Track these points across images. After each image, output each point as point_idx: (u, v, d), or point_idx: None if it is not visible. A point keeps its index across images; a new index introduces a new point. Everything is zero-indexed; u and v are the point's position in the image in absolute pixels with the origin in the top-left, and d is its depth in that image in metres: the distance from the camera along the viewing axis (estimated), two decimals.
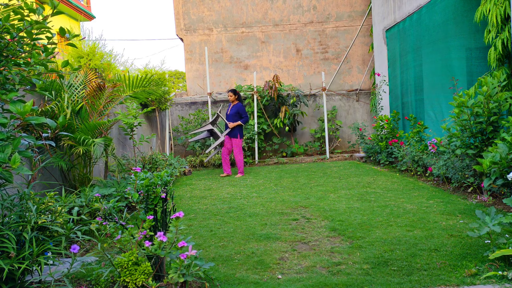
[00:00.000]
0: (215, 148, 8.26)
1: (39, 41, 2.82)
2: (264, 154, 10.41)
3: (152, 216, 2.74)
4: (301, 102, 10.29)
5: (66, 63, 3.00)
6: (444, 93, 6.70)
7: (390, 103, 9.10)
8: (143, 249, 2.63)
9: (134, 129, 6.04)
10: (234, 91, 8.01)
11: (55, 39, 2.86)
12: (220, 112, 8.33)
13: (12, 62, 2.76)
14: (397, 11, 8.44)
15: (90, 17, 20.76)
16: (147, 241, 2.58)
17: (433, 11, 6.98)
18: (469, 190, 5.27)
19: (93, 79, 5.27)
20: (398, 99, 8.65)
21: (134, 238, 2.71)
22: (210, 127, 8.23)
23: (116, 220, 2.92)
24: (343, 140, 10.90)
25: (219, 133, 8.11)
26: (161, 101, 9.01)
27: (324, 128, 10.29)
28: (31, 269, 2.58)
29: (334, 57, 11.61)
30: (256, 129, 9.78)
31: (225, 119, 7.94)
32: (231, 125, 7.85)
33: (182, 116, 10.64)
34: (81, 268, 3.06)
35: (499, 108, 4.96)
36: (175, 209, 3.22)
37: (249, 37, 11.59)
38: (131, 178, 3.00)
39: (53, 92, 4.60)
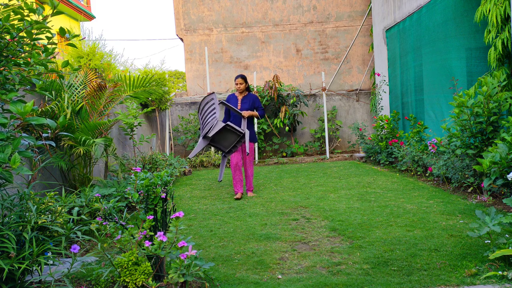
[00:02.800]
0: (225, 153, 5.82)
1: (39, 41, 2.82)
2: (264, 154, 10.41)
3: (152, 216, 2.74)
4: (301, 102, 10.29)
5: (66, 63, 3.00)
6: (444, 93, 6.70)
7: (390, 103, 9.10)
8: (143, 249, 2.63)
9: (134, 129, 6.04)
10: (244, 78, 6.05)
11: (55, 39, 2.86)
12: (216, 102, 5.84)
13: (12, 62, 2.76)
14: (397, 11, 8.44)
15: (90, 17, 20.77)
16: (147, 241, 2.58)
17: (433, 11, 6.98)
18: (469, 190, 5.27)
19: (93, 79, 5.27)
20: (398, 99, 8.65)
21: (134, 238, 2.71)
22: (221, 124, 5.68)
23: (116, 220, 2.92)
24: (343, 140, 10.90)
25: (237, 128, 5.64)
26: (161, 101, 9.01)
27: (324, 128, 10.30)
28: (31, 269, 2.58)
29: (334, 57, 11.61)
30: (256, 129, 9.78)
31: (237, 110, 5.78)
32: (245, 113, 5.78)
33: (182, 116, 10.64)
34: (81, 268, 3.06)
35: (499, 108, 4.96)
36: (175, 209, 3.22)
37: (249, 37, 11.59)
38: (131, 178, 3.00)
39: (53, 92, 4.60)
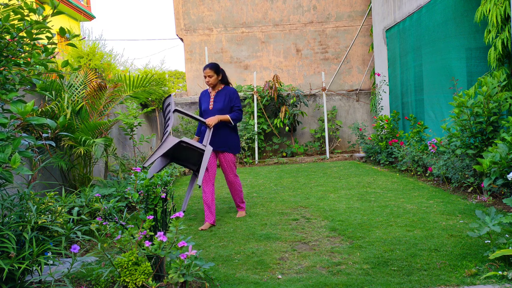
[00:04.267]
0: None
1: (39, 41, 2.82)
2: (264, 154, 10.41)
3: (152, 216, 2.74)
4: (301, 102, 10.29)
5: (66, 63, 3.00)
6: (444, 93, 6.70)
7: (390, 103, 9.10)
8: (143, 249, 2.63)
9: (134, 129, 6.04)
10: (215, 67, 4.58)
11: (55, 39, 2.86)
12: (172, 107, 4.29)
13: (12, 62, 2.76)
14: (397, 11, 8.44)
15: (90, 17, 20.77)
16: (147, 241, 2.58)
17: (433, 11, 6.98)
18: (469, 190, 5.27)
19: (93, 79, 5.28)
20: (398, 99, 8.65)
21: (134, 238, 2.71)
22: (173, 140, 4.14)
23: (116, 220, 2.92)
24: (343, 140, 10.90)
25: (198, 145, 4.26)
26: (161, 101, 9.02)
27: (324, 128, 10.29)
28: (31, 269, 2.58)
29: (334, 57, 11.61)
30: (256, 129, 9.78)
31: (197, 117, 4.51)
32: (211, 121, 4.42)
33: (182, 116, 10.64)
34: (81, 268, 3.06)
35: (499, 108, 4.96)
36: (175, 209, 3.22)
37: (249, 37, 11.59)
38: (131, 178, 3.00)
39: (53, 92, 4.61)
